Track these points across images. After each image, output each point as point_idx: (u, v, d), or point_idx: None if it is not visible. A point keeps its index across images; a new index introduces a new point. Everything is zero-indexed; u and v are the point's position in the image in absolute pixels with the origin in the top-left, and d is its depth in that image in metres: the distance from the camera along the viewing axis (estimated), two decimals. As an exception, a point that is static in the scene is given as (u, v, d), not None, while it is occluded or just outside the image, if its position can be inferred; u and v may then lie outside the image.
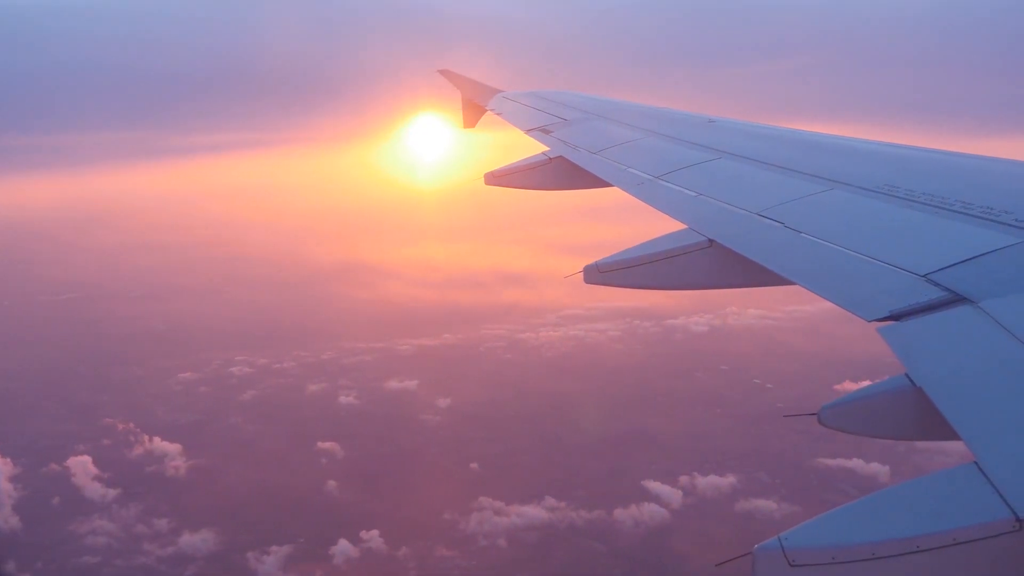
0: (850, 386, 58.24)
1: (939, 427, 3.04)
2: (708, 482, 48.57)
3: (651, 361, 67.27)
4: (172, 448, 51.46)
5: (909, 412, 3.38)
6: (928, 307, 3.68)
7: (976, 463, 2.69)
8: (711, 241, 5.32)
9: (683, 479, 48.60)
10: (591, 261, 5.76)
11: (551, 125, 10.41)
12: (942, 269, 3.95)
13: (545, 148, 9.31)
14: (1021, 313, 3.41)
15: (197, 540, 43.04)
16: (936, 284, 3.83)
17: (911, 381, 3.33)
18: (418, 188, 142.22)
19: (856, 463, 49.33)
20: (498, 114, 12.62)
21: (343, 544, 41.96)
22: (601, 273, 5.67)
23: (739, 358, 66.79)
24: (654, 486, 47.73)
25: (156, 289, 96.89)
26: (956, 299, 3.66)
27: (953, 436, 2.90)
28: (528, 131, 10.48)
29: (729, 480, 48.60)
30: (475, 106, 14.54)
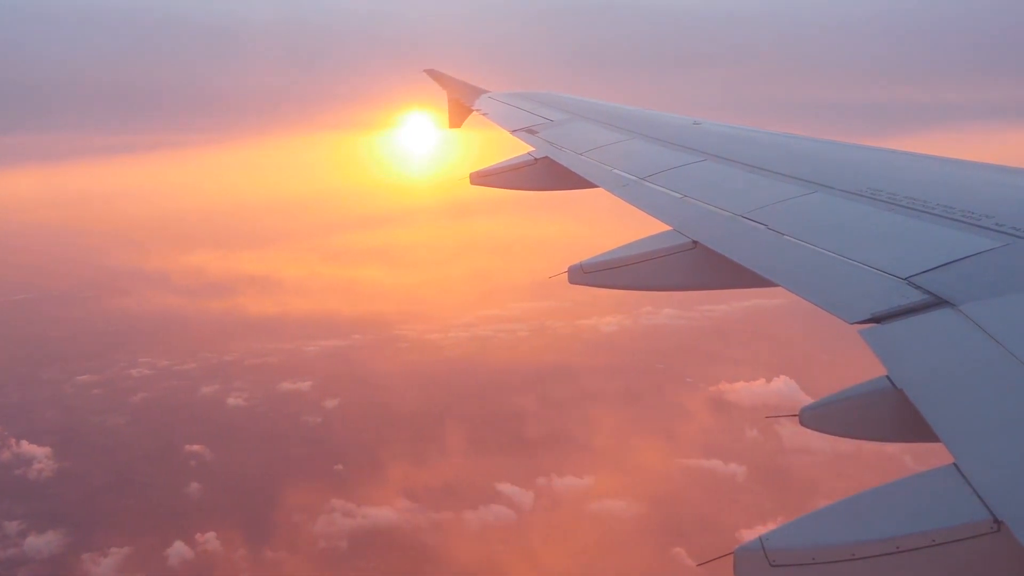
0: (726, 387, 58.22)
1: (919, 429, 3.05)
2: (565, 483, 48.70)
3: (556, 360, 67.29)
4: (41, 451, 52.01)
5: (889, 414, 3.38)
6: (909, 310, 3.68)
7: (955, 465, 2.71)
8: (695, 243, 5.35)
9: (540, 480, 48.78)
10: (575, 262, 5.78)
11: (537, 126, 10.35)
12: (923, 272, 3.96)
13: (530, 148, 9.30)
14: (1001, 316, 3.43)
15: (42, 542, 43.60)
16: (917, 287, 3.84)
17: (892, 383, 3.34)
18: (403, 186, 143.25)
19: (715, 463, 49.26)
20: (484, 114, 12.48)
21: (179, 546, 42.37)
22: (585, 273, 5.68)
23: (646, 356, 66.73)
24: (508, 488, 47.90)
25: (102, 291, 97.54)
26: (937, 302, 3.67)
27: (933, 438, 2.90)
28: (514, 131, 10.42)
29: (586, 481, 48.73)
30: (461, 106, 14.43)
